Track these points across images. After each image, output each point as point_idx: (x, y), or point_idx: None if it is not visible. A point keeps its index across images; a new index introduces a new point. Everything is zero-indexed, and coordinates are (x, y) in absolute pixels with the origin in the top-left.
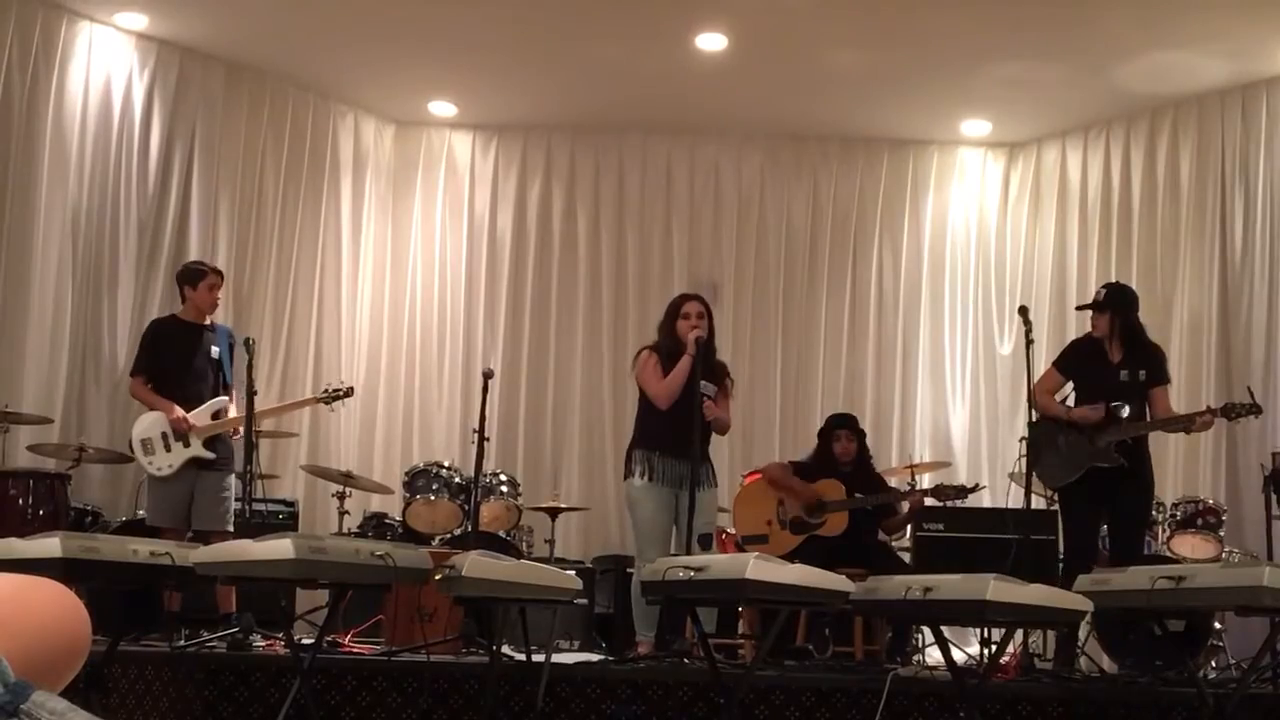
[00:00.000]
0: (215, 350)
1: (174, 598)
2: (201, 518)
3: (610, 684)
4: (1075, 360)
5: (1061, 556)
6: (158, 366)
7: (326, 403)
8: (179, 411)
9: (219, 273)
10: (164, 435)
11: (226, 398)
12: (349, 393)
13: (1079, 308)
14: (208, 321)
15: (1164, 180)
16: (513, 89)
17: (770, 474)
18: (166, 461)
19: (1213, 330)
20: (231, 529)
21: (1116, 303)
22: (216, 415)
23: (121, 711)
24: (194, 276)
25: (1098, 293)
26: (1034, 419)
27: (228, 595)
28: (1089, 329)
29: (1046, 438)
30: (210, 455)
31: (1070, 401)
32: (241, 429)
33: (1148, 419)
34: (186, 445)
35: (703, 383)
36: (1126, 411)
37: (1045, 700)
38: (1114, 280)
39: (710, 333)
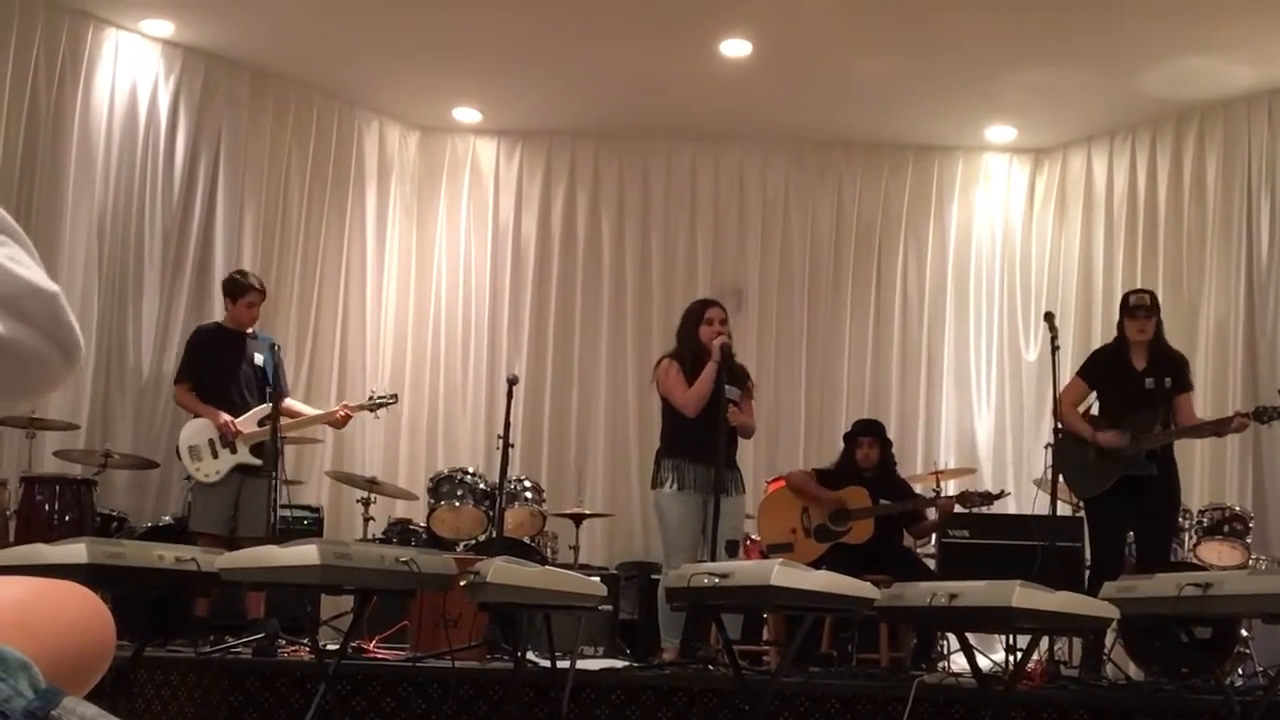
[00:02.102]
0: (259, 357)
1: (202, 603)
2: (247, 524)
3: (635, 690)
4: (1099, 369)
5: (1088, 563)
6: (202, 373)
7: (372, 409)
8: (225, 417)
9: (260, 291)
10: (211, 441)
11: (271, 404)
12: (394, 399)
13: (1133, 310)
14: (250, 330)
15: (1190, 186)
16: (537, 95)
17: (793, 481)
18: (214, 468)
19: (1239, 336)
20: (276, 535)
21: (1159, 308)
22: (262, 422)
23: (147, 716)
24: (236, 290)
25: (1144, 296)
26: (1059, 427)
27: (256, 601)
28: (1114, 334)
29: (1075, 447)
30: (257, 462)
31: (1095, 410)
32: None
33: (1173, 425)
34: (233, 452)
35: (727, 388)
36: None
37: (1071, 707)
38: (1140, 286)
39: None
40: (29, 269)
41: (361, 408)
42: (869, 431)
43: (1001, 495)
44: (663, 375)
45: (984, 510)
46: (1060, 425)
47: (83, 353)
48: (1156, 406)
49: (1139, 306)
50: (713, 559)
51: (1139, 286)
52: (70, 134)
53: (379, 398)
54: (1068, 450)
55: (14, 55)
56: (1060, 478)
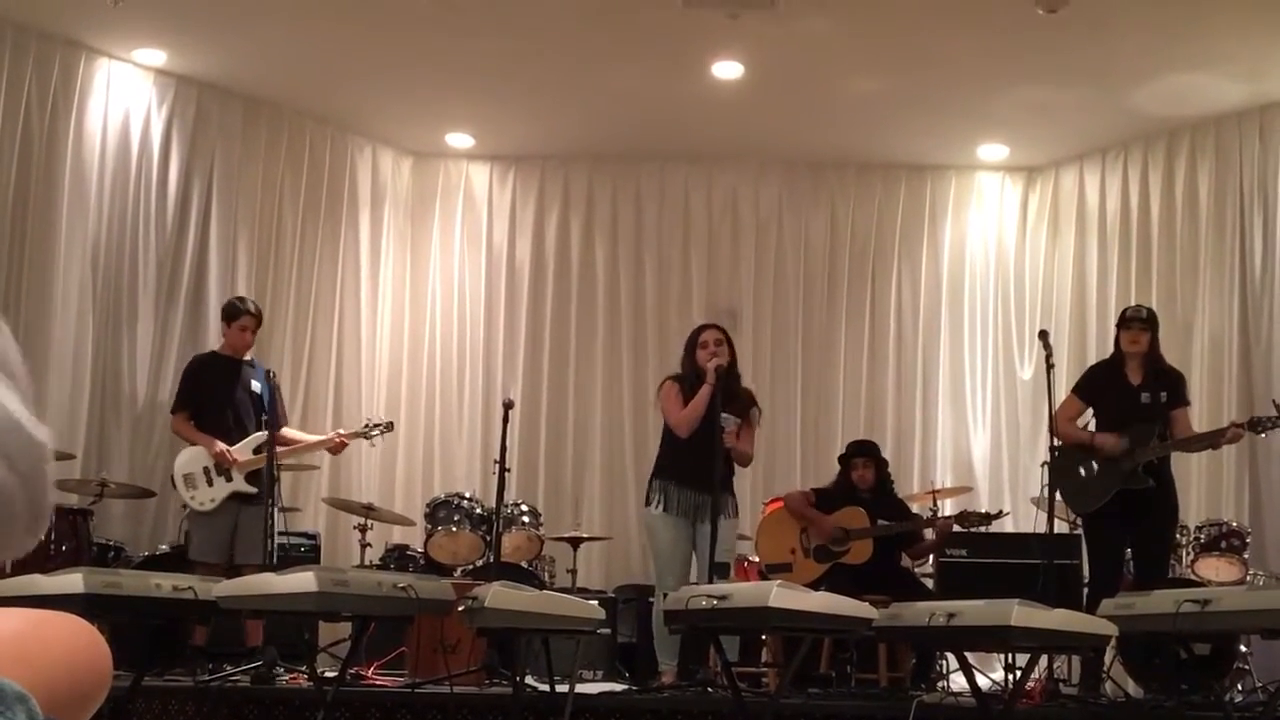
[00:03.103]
0: (256, 385)
1: (200, 631)
2: (245, 552)
3: (634, 714)
4: (1095, 385)
5: (1086, 581)
6: (199, 402)
7: (367, 436)
8: (221, 446)
9: (255, 316)
10: (206, 470)
11: (267, 432)
12: (389, 427)
13: (1128, 322)
14: (247, 357)
15: (1182, 202)
16: (530, 119)
17: (790, 504)
18: (209, 496)
19: (1233, 351)
20: (275, 563)
21: (1155, 323)
22: (258, 450)
23: None
24: (230, 314)
25: (1140, 309)
26: (1056, 445)
27: (255, 628)
28: (1110, 352)
29: (1072, 464)
30: (252, 490)
31: (1092, 427)
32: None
33: (1170, 441)
34: (229, 480)
35: (724, 415)
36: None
37: None
38: (1135, 303)
39: (732, 361)
40: (23, 416)
41: (356, 435)
42: (863, 452)
43: (1000, 515)
44: (663, 396)
45: (982, 529)
46: (1057, 442)
47: (48, 524)
48: (1153, 421)
49: (1134, 319)
50: (710, 581)
51: (1134, 304)
52: (63, 163)
53: (375, 425)
54: (1064, 467)
55: (6, 85)
56: (1057, 495)
